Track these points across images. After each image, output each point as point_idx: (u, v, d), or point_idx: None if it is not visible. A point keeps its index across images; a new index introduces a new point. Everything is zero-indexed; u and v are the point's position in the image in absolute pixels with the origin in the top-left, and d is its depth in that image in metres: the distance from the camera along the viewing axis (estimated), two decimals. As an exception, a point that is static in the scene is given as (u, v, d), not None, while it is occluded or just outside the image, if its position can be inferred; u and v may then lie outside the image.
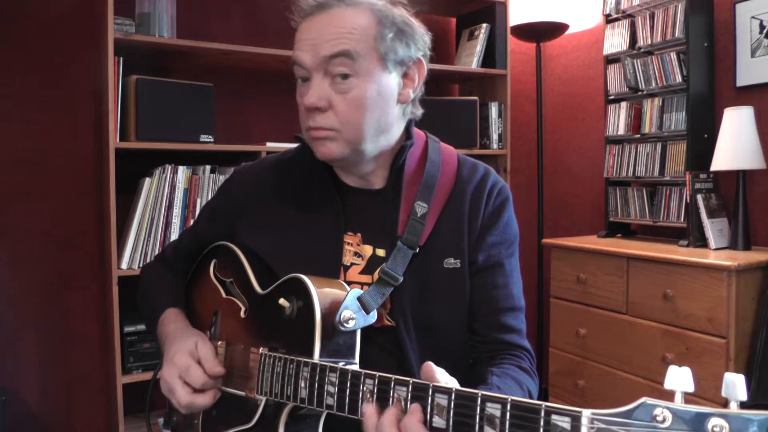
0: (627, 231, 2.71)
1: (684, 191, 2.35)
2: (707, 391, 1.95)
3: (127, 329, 2.07)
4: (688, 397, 0.53)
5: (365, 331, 0.90)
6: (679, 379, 0.53)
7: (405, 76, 0.97)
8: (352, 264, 0.97)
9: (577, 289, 2.47)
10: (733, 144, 2.17)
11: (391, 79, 0.95)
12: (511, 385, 0.89)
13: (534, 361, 1.01)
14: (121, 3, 2.00)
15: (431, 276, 0.96)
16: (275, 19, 2.49)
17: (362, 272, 0.97)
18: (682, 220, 2.39)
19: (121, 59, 2.00)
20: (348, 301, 0.87)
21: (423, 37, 0.99)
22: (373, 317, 0.89)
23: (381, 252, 0.97)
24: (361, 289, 0.92)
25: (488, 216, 1.01)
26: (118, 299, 1.99)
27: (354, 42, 0.90)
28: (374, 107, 0.93)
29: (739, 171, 2.19)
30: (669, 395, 0.54)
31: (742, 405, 0.51)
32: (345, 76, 0.90)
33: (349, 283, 0.94)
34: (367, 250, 0.98)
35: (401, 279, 0.92)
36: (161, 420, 1.12)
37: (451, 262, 0.97)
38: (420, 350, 0.94)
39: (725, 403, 0.51)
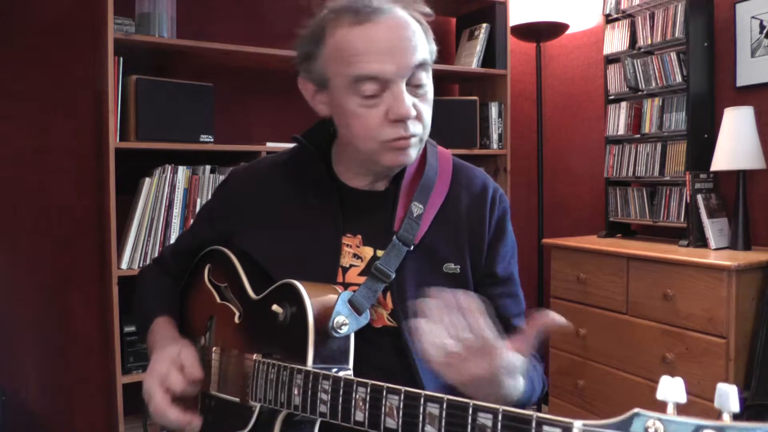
0: (627, 231, 2.71)
1: (684, 191, 2.34)
2: (707, 392, 1.95)
3: (127, 329, 2.07)
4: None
5: (365, 332, 0.90)
6: (671, 389, 0.52)
7: None
8: (351, 265, 0.97)
9: (577, 289, 2.47)
10: (733, 144, 2.16)
11: None
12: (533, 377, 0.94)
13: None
14: (121, 3, 2.00)
15: (432, 279, 0.96)
16: (275, 20, 2.50)
17: (361, 273, 0.96)
18: (682, 220, 2.38)
19: (121, 59, 2.00)
20: (339, 306, 0.86)
21: None
22: (365, 318, 0.89)
23: (381, 253, 0.96)
24: None
25: (495, 226, 1.03)
26: (118, 299, 1.99)
27: (427, 49, 0.91)
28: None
29: (739, 171, 2.19)
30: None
31: (735, 416, 0.50)
32: (422, 84, 0.91)
33: (348, 285, 0.94)
34: (368, 251, 0.97)
35: (393, 275, 0.92)
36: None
37: (451, 268, 0.98)
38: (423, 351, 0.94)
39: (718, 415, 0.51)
